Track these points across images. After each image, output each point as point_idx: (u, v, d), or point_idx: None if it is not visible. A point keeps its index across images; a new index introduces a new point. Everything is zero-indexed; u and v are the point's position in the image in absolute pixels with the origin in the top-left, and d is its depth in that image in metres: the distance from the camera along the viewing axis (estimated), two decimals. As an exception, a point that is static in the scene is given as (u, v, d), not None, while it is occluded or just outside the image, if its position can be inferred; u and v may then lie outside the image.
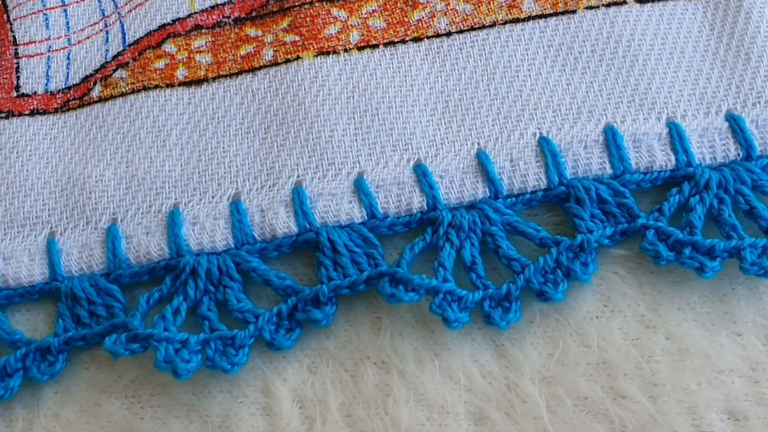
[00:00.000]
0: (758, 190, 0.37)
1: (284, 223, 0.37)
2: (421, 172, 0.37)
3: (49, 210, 0.38)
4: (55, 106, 0.41)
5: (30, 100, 0.42)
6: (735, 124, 0.37)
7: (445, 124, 0.38)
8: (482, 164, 0.37)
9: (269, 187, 0.38)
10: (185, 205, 0.38)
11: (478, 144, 0.38)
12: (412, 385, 0.34)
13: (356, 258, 0.36)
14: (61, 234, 0.38)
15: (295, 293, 0.35)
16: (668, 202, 0.36)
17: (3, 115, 0.41)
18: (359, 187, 0.37)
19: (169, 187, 0.38)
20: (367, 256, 0.36)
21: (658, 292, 0.36)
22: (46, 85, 0.42)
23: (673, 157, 0.37)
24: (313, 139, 0.38)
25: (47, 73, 0.42)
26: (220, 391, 0.35)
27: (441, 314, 0.34)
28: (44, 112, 0.41)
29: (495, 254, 0.36)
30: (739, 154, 0.37)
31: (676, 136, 0.37)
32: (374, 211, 0.37)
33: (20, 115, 0.41)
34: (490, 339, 0.35)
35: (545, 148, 0.37)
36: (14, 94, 0.42)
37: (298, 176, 0.38)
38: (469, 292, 0.34)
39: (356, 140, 0.38)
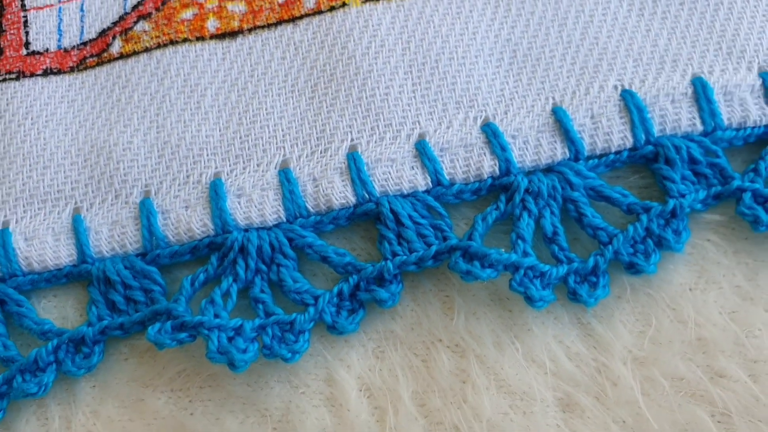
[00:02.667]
0: None
1: (341, 193, 0.33)
2: (490, 132, 0.34)
3: (72, 183, 0.35)
4: (71, 64, 0.37)
5: (42, 59, 0.37)
6: None
7: (513, 76, 0.35)
8: (560, 121, 0.34)
9: (321, 152, 0.34)
10: (228, 174, 0.34)
11: (553, 99, 0.34)
12: (492, 370, 0.32)
13: (422, 230, 0.33)
14: (87, 210, 0.34)
15: (356, 271, 0.32)
16: (764, 161, 0.33)
17: (13, 75, 0.37)
18: (421, 151, 0.33)
19: (207, 155, 0.34)
20: (433, 227, 0.33)
21: (755, 260, 0.33)
22: (59, 40, 0.38)
23: None
24: (366, 98, 0.35)
25: (59, 26, 0.38)
26: (278, 382, 0.32)
27: (523, 292, 0.31)
28: (59, 72, 0.37)
29: (577, 223, 0.33)
30: None
31: None
32: (440, 177, 0.33)
33: (32, 75, 0.37)
34: (575, 317, 0.32)
35: (629, 102, 0.34)
36: (24, 51, 0.38)
37: (352, 140, 0.34)
38: (552, 267, 0.31)
39: (415, 97, 0.34)
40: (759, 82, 0.34)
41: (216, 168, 0.34)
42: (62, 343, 0.32)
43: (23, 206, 0.34)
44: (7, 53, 0.37)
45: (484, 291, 0.33)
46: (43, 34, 0.38)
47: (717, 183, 0.33)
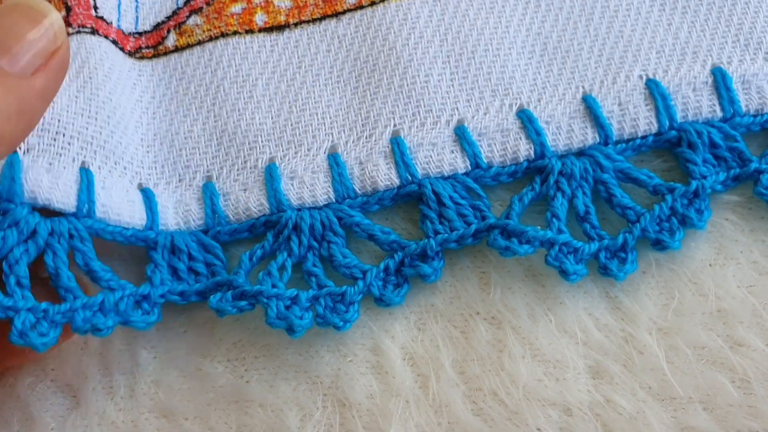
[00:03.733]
0: None
1: (385, 176, 0.35)
2: (525, 118, 0.35)
3: (137, 164, 0.36)
4: (129, 49, 0.39)
5: (109, 28, 0.38)
6: None
7: (545, 67, 0.37)
8: (590, 108, 0.35)
9: (366, 138, 0.36)
10: (281, 159, 0.36)
11: (583, 88, 0.36)
12: (527, 340, 0.34)
13: (462, 210, 0.34)
14: (154, 187, 0.36)
15: (401, 248, 0.34)
16: None
17: (88, 30, 0.37)
18: (461, 136, 0.35)
19: (262, 141, 0.36)
20: (472, 208, 0.35)
21: (771, 238, 0.35)
22: (119, 20, 0.39)
23: None
24: (407, 86, 0.37)
25: (119, 7, 0.39)
26: (328, 351, 0.34)
27: (558, 267, 0.33)
28: (121, 50, 0.39)
29: (607, 203, 0.35)
30: None
31: None
32: (478, 160, 0.35)
33: (106, 37, 0.38)
34: (603, 291, 0.35)
35: (654, 91, 0.36)
36: (93, 13, 0.38)
37: (395, 126, 0.36)
38: (585, 244, 0.34)
39: (453, 86, 0.36)
40: None
41: (270, 153, 0.36)
42: (125, 296, 0.32)
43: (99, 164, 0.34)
44: (76, 10, 0.37)
45: (518, 267, 0.35)
46: (106, 6, 0.39)
47: (736, 166, 0.35)
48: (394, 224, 0.36)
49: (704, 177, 0.35)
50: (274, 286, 0.33)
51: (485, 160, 0.35)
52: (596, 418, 0.33)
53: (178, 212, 0.35)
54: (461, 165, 0.35)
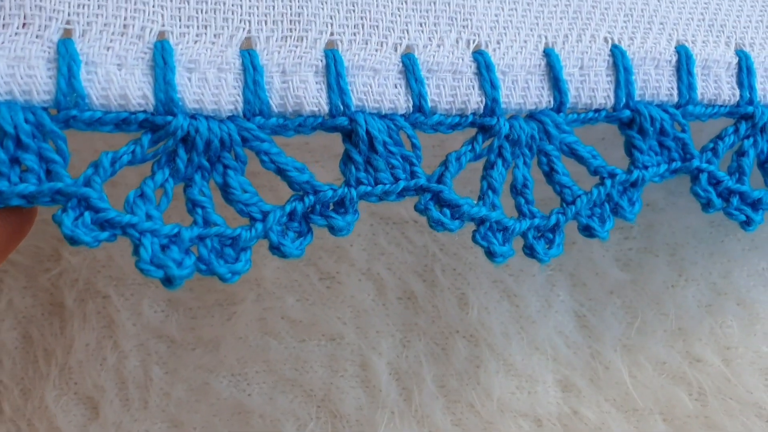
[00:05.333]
0: None
1: (314, 98, 0.27)
2: (482, 63, 0.30)
3: None
4: None
5: None
6: None
7: (509, 4, 0.31)
8: (551, 66, 0.31)
9: (294, 40, 0.27)
10: (177, 38, 0.26)
11: (546, 39, 0.31)
12: (501, 356, 0.37)
13: (392, 160, 0.29)
14: None
15: (314, 192, 0.27)
16: (723, 143, 0.34)
17: None
18: (409, 67, 0.29)
19: (153, 6, 0.26)
20: (403, 158, 0.29)
21: (728, 261, 0.37)
22: None
23: (737, 92, 0.34)
24: None
25: None
26: (321, 366, 0.37)
27: (486, 247, 0.30)
28: None
29: (545, 176, 0.31)
30: None
31: (744, 68, 0.33)
32: (423, 102, 0.28)
33: None
34: (572, 311, 0.37)
35: (619, 61, 0.32)
36: None
37: (332, 34, 0.28)
38: (516, 222, 0.30)
39: (406, 2, 0.29)
40: (735, 60, 0.34)
41: (162, 26, 0.26)
42: None
43: None
44: None
45: (494, 289, 0.37)
46: None
47: (678, 158, 0.33)
48: (292, 151, 0.29)
49: (646, 167, 0.33)
50: (149, 216, 0.25)
51: (430, 104, 0.29)
52: (564, 429, 0.36)
53: (15, 75, 0.24)
54: (402, 105, 0.29)
